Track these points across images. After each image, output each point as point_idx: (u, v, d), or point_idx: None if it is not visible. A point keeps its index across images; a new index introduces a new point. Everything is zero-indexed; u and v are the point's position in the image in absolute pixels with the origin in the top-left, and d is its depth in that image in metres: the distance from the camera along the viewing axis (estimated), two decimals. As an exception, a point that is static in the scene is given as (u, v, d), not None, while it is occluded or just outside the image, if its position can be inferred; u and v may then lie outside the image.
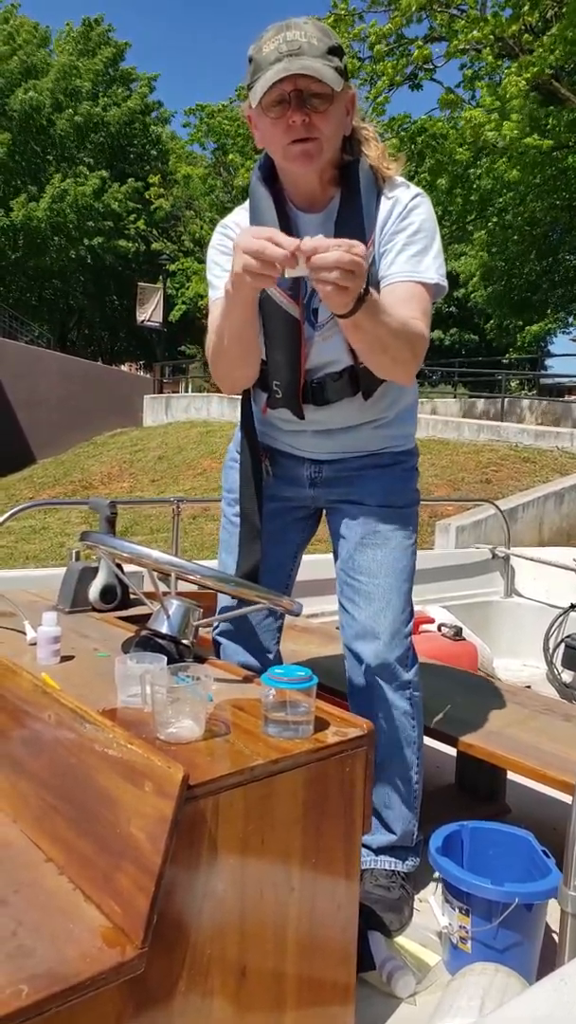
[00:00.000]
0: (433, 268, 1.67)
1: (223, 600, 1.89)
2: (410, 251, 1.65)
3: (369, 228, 1.66)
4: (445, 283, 1.69)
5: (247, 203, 1.77)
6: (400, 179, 1.73)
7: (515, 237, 17.67)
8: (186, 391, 21.20)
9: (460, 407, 16.63)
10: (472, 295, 24.21)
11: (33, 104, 24.35)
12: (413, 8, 12.66)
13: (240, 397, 1.88)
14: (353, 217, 1.65)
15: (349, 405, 1.77)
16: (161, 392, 20.33)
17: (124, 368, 28.83)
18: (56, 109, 25.23)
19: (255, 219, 1.72)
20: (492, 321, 24.33)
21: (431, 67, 14.29)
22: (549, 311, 22.69)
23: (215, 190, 22.16)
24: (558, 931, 1.33)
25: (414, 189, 1.71)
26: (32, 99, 24.26)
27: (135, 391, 19.63)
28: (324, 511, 1.99)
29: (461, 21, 12.67)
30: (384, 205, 1.68)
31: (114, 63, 27.51)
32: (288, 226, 1.69)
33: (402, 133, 14.65)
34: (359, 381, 1.74)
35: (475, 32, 12.17)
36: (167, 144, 28.05)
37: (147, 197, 25.47)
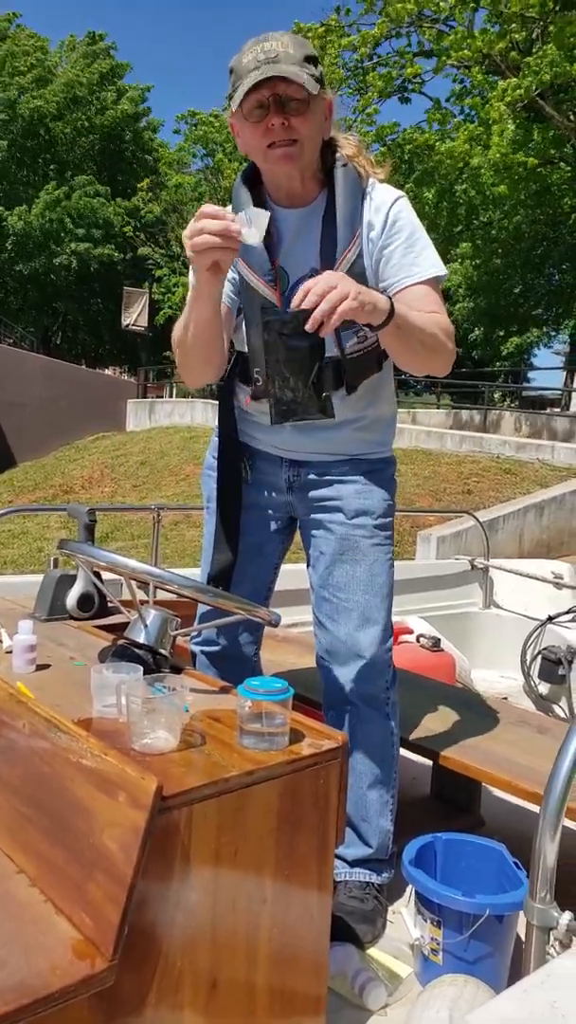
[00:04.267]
0: (431, 262, 1.71)
1: (202, 610, 1.90)
2: (411, 254, 1.70)
3: (355, 223, 1.69)
4: (444, 269, 1.75)
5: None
6: (381, 180, 1.76)
7: (500, 250, 17.83)
8: (170, 396, 21.16)
9: (443, 418, 16.72)
10: (456, 307, 24.39)
11: (39, 112, 24.46)
12: (404, 17, 12.74)
13: (219, 396, 1.90)
14: (337, 214, 1.69)
15: (332, 399, 1.78)
16: (145, 397, 20.28)
17: (108, 372, 28.75)
18: (57, 118, 25.33)
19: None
20: (476, 331, 24.51)
21: (419, 80, 14.44)
22: (533, 325, 22.89)
23: (203, 197, 22.26)
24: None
25: (394, 191, 1.75)
26: (39, 108, 24.38)
27: (119, 395, 19.55)
28: (299, 523, 1.99)
29: (450, 36, 12.79)
30: (369, 204, 1.71)
31: (111, 78, 27.69)
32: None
33: (389, 143, 14.76)
34: (344, 374, 1.75)
35: (465, 50, 12.29)
36: (157, 151, 28.16)
37: (136, 204, 25.54)
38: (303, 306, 1.41)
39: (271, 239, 1.72)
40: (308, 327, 1.40)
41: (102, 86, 27.20)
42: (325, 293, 1.39)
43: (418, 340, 1.61)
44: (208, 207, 1.45)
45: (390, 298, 1.52)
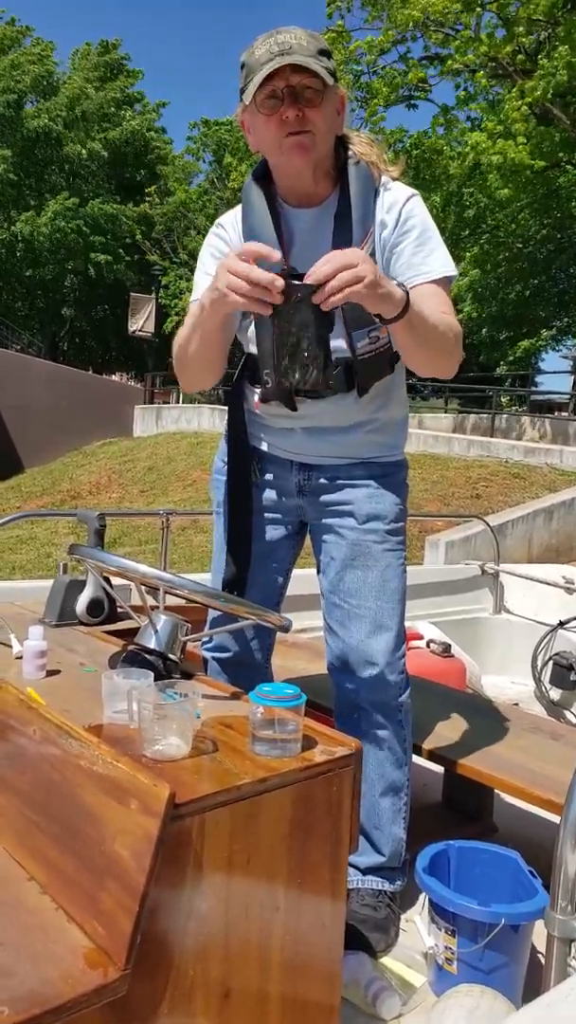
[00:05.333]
0: (441, 262, 1.69)
1: (213, 615, 1.89)
2: (421, 253, 1.68)
3: (367, 222, 1.67)
4: (455, 269, 1.73)
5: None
6: (395, 178, 1.75)
7: (507, 254, 17.82)
8: (177, 402, 21.17)
9: (451, 422, 16.69)
10: (464, 311, 24.34)
11: (44, 129, 24.61)
12: (409, 24, 12.74)
13: (228, 400, 1.89)
14: (350, 212, 1.67)
15: (342, 401, 1.76)
16: (152, 402, 20.31)
17: (115, 378, 28.84)
18: (65, 127, 25.47)
19: (246, 216, 1.74)
20: (483, 331, 24.45)
21: (426, 87, 14.44)
22: (543, 330, 22.82)
23: (207, 206, 22.40)
24: (544, 953, 1.32)
25: (407, 189, 1.73)
26: (44, 126, 24.52)
27: (126, 401, 19.58)
28: (310, 528, 1.96)
29: (456, 41, 12.80)
30: (381, 203, 1.70)
31: (124, 89, 27.99)
32: (279, 222, 1.71)
33: (397, 148, 14.78)
34: (355, 376, 1.73)
35: (469, 55, 12.29)
36: (166, 159, 28.38)
37: (145, 211, 25.68)
38: (316, 277, 1.36)
39: (282, 239, 1.70)
40: (315, 299, 1.35)
41: (118, 104, 27.47)
42: (340, 269, 1.35)
43: (429, 339, 1.59)
44: (256, 247, 1.39)
45: (407, 292, 1.48)
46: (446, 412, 18.38)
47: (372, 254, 1.67)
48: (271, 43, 1.54)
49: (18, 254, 25.16)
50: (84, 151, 25.67)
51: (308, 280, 1.37)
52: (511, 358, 25.05)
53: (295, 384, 1.45)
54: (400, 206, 1.69)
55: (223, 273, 1.40)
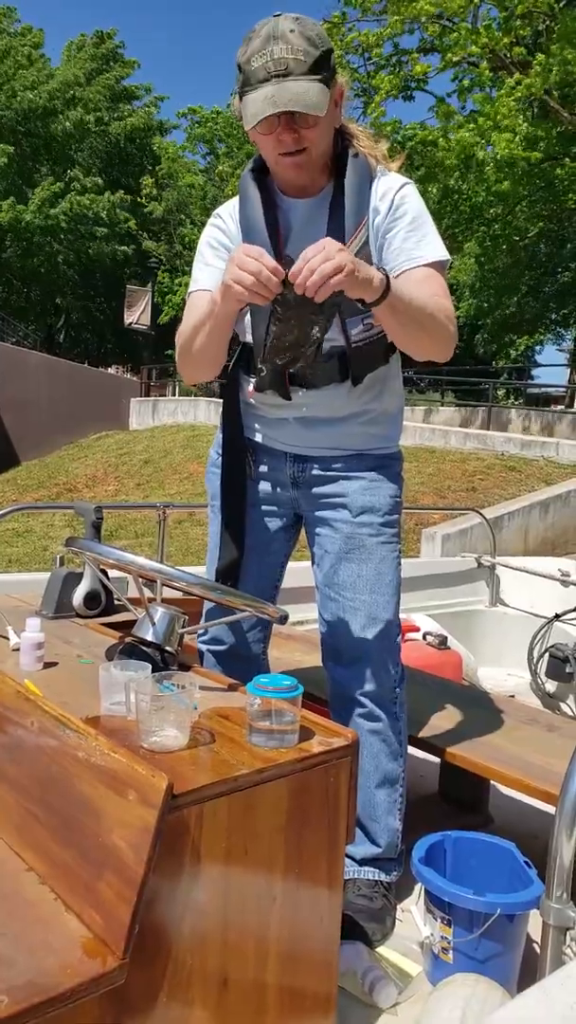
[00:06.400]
0: (434, 246, 1.69)
1: (208, 607, 1.89)
2: (413, 238, 1.68)
3: (362, 211, 1.67)
4: (447, 254, 1.72)
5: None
6: (391, 169, 1.75)
7: (505, 247, 17.78)
8: (173, 394, 21.12)
9: (447, 415, 16.69)
10: (461, 306, 24.35)
11: (30, 106, 24.40)
12: (421, 17, 12.61)
13: (223, 391, 1.89)
14: (346, 202, 1.67)
15: (336, 391, 1.76)
16: (148, 395, 20.26)
17: (111, 370, 28.76)
18: (52, 113, 25.26)
19: (243, 207, 1.74)
20: (482, 331, 24.41)
21: (424, 78, 14.37)
22: (541, 326, 22.79)
23: (207, 195, 22.34)
24: (539, 942, 1.33)
25: (402, 178, 1.73)
26: (29, 100, 24.31)
27: (122, 393, 19.53)
28: (304, 520, 1.96)
29: (455, 34, 12.74)
30: (376, 191, 1.69)
31: (120, 79, 27.87)
32: (276, 213, 1.71)
33: (394, 140, 14.72)
34: (349, 366, 1.73)
35: (472, 47, 12.24)
36: (162, 152, 28.30)
37: (140, 200, 25.55)
38: (300, 280, 1.36)
39: (279, 229, 1.70)
40: (298, 290, 1.36)
41: (116, 97, 27.33)
42: (318, 264, 1.35)
43: (415, 321, 1.58)
44: (265, 255, 1.40)
45: (386, 275, 1.48)
46: (442, 405, 18.38)
47: (366, 242, 1.67)
48: (267, 57, 1.50)
49: (7, 243, 24.97)
50: (69, 125, 25.29)
51: (290, 279, 1.38)
52: (512, 355, 25.04)
53: (281, 364, 1.46)
54: (393, 193, 1.69)
55: (231, 267, 1.42)
